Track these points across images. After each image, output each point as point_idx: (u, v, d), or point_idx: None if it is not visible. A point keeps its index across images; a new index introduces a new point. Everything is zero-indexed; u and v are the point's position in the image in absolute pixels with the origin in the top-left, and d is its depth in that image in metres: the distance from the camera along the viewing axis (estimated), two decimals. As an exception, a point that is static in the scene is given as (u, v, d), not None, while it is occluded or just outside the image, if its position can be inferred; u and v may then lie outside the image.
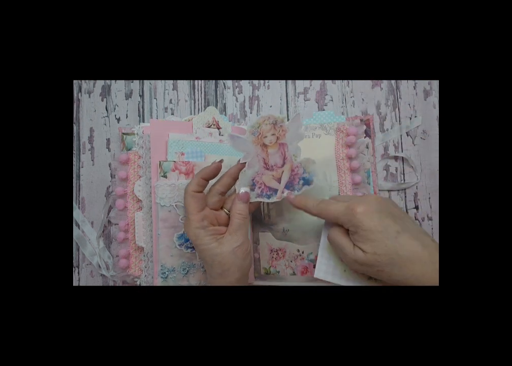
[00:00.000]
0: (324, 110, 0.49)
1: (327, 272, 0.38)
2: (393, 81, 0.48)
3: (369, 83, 0.49)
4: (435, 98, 0.47)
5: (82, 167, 0.50)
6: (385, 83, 0.48)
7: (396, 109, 0.48)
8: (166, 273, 0.42)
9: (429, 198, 0.46)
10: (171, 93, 0.51)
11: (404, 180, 0.47)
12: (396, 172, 0.47)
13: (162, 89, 0.51)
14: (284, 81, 0.50)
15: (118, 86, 0.51)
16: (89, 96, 0.51)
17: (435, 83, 0.47)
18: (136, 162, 0.46)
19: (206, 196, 0.38)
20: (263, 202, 0.47)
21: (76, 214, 0.49)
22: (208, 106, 0.50)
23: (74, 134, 0.50)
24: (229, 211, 0.39)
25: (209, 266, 0.36)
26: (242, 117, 0.50)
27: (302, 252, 0.46)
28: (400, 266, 0.31)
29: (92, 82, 0.51)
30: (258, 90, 0.50)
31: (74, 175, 0.50)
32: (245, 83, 0.50)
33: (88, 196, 0.49)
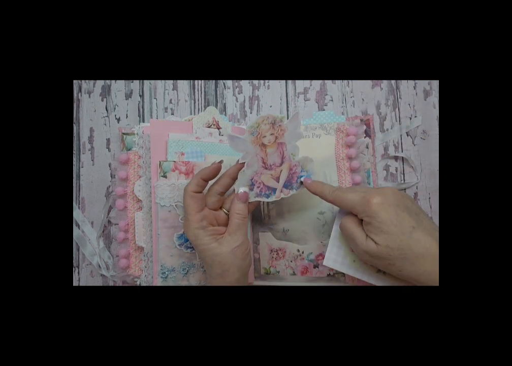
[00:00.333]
0: (324, 110, 0.49)
1: (336, 260, 0.38)
2: (393, 81, 0.48)
3: (369, 83, 0.49)
4: (435, 98, 0.47)
5: (82, 167, 0.50)
6: (385, 83, 0.48)
7: (396, 109, 0.48)
8: (166, 273, 0.42)
9: (429, 198, 0.46)
10: (171, 93, 0.51)
11: (404, 180, 0.47)
12: (396, 172, 0.47)
13: (162, 89, 0.51)
14: (284, 81, 0.50)
15: (118, 86, 0.51)
16: (89, 96, 0.51)
17: (435, 83, 0.47)
18: (136, 162, 0.46)
19: (205, 197, 0.38)
20: (263, 202, 0.47)
21: (76, 214, 0.49)
22: (208, 106, 0.50)
23: (74, 134, 0.50)
24: (228, 211, 0.39)
25: (209, 266, 0.36)
26: (242, 117, 0.50)
27: (302, 252, 0.46)
28: (412, 261, 0.31)
29: (92, 82, 0.51)
30: (258, 90, 0.50)
31: (74, 175, 0.50)
32: (245, 83, 0.50)
33: (88, 196, 0.49)
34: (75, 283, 0.48)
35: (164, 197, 0.41)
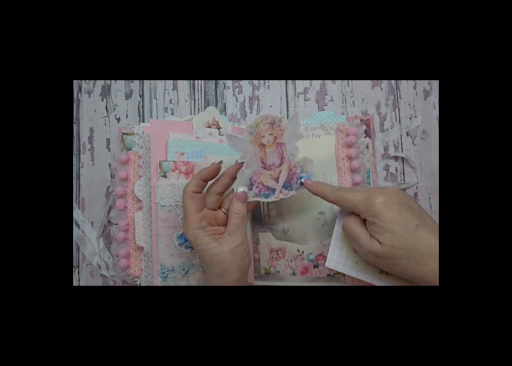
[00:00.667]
0: (324, 110, 0.49)
1: (338, 262, 0.38)
2: (393, 81, 0.48)
3: (369, 83, 0.49)
4: (435, 98, 0.47)
5: (82, 167, 0.50)
6: (385, 83, 0.48)
7: (396, 109, 0.48)
8: (166, 272, 0.42)
9: (429, 198, 0.46)
10: (171, 93, 0.51)
11: (404, 180, 0.47)
12: (396, 172, 0.47)
13: (162, 89, 0.51)
14: (284, 81, 0.50)
15: (118, 86, 0.51)
16: (89, 96, 0.51)
17: (435, 83, 0.47)
18: (136, 162, 0.46)
19: (204, 197, 0.38)
20: (263, 202, 0.47)
21: (76, 214, 0.49)
22: (208, 106, 0.50)
23: (74, 134, 0.50)
24: (227, 211, 0.39)
25: (208, 266, 0.36)
26: (242, 117, 0.50)
27: (302, 252, 0.46)
28: (416, 260, 0.31)
29: (92, 82, 0.51)
30: (258, 90, 0.50)
31: (74, 175, 0.50)
32: (245, 83, 0.50)
33: (88, 196, 0.49)
34: (75, 283, 0.48)
35: (164, 197, 0.41)
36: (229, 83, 0.51)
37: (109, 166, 0.49)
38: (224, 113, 0.50)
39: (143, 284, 0.44)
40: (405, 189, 0.47)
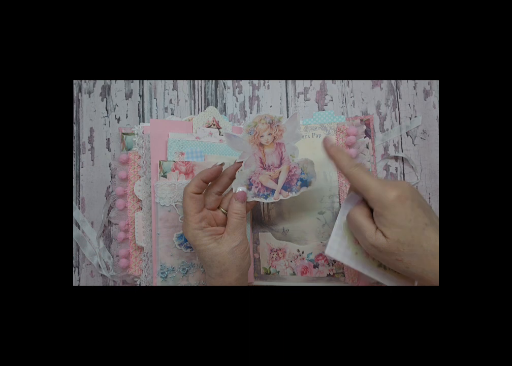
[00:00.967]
0: (324, 110, 0.49)
1: (338, 251, 0.37)
2: (393, 81, 0.48)
3: (369, 83, 0.49)
4: (435, 98, 0.47)
5: (82, 167, 0.50)
6: (385, 83, 0.48)
7: (396, 109, 0.48)
8: (166, 272, 0.42)
9: (429, 198, 0.46)
10: (171, 93, 0.51)
11: (404, 180, 0.47)
12: (396, 172, 0.47)
13: (162, 89, 0.51)
14: (284, 81, 0.50)
15: (118, 86, 0.51)
16: (89, 96, 0.51)
17: (435, 83, 0.47)
18: (136, 162, 0.46)
19: (204, 197, 0.38)
20: (263, 202, 0.47)
21: (76, 214, 0.49)
22: (208, 106, 0.50)
23: (74, 134, 0.50)
24: (226, 211, 0.39)
25: (208, 266, 0.36)
26: (242, 117, 0.50)
27: (302, 252, 0.46)
28: (420, 259, 0.30)
29: (92, 82, 0.51)
30: (258, 90, 0.50)
31: (74, 175, 0.50)
32: (245, 83, 0.50)
33: (88, 196, 0.49)
34: (75, 283, 0.48)
35: (164, 197, 0.41)
36: (229, 83, 0.51)
37: (109, 166, 0.49)
38: (224, 113, 0.50)
39: (143, 284, 0.44)
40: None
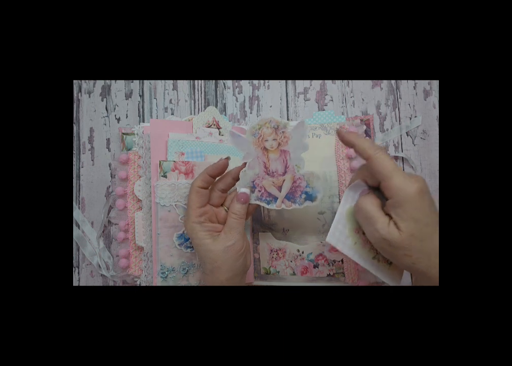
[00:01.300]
0: (324, 110, 0.49)
1: (339, 239, 0.36)
2: (393, 81, 0.48)
3: (369, 83, 0.49)
4: (435, 98, 0.47)
5: (82, 167, 0.50)
6: (385, 83, 0.48)
7: (396, 109, 0.48)
8: (166, 272, 0.42)
9: (429, 198, 0.46)
10: (171, 93, 0.51)
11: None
12: (396, 172, 0.47)
13: (162, 89, 0.51)
14: (284, 81, 0.50)
15: (118, 86, 0.51)
16: (89, 96, 0.51)
17: (435, 83, 0.47)
18: (136, 162, 0.46)
19: (209, 192, 0.38)
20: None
21: (76, 214, 0.49)
22: (208, 106, 0.50)
23: (74, 134, 0.50)
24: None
25: (202, 262, 0.36)
26: (242, 117, 0.50)
27: (302, 252, 0.46)
28: (428, 255, 0.29)
29: (92, 82, 0.51)
30: (258, 90, 0.50)
31: (74, 175, 0.50)
32: (245, 83, 0.50)
33: (88, 196, 0.49)
34: (75, 283, 0.48)
35: (164, 197, 0.41)
36: (229, 83, 0.51)
37: (109, 166, 0.49)
38: (224, 113, 0.50)
39: (143, 284, 0.44)
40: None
